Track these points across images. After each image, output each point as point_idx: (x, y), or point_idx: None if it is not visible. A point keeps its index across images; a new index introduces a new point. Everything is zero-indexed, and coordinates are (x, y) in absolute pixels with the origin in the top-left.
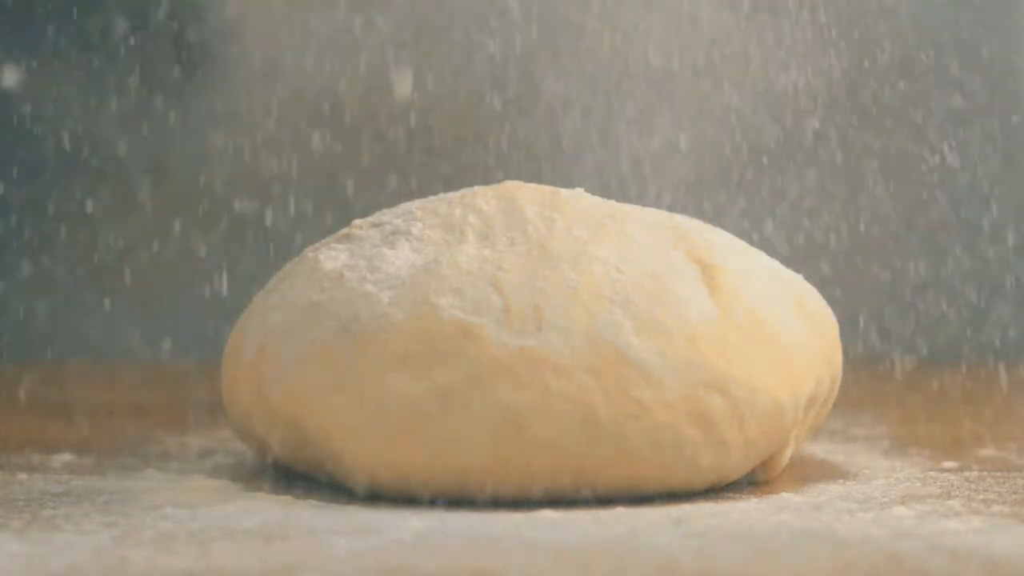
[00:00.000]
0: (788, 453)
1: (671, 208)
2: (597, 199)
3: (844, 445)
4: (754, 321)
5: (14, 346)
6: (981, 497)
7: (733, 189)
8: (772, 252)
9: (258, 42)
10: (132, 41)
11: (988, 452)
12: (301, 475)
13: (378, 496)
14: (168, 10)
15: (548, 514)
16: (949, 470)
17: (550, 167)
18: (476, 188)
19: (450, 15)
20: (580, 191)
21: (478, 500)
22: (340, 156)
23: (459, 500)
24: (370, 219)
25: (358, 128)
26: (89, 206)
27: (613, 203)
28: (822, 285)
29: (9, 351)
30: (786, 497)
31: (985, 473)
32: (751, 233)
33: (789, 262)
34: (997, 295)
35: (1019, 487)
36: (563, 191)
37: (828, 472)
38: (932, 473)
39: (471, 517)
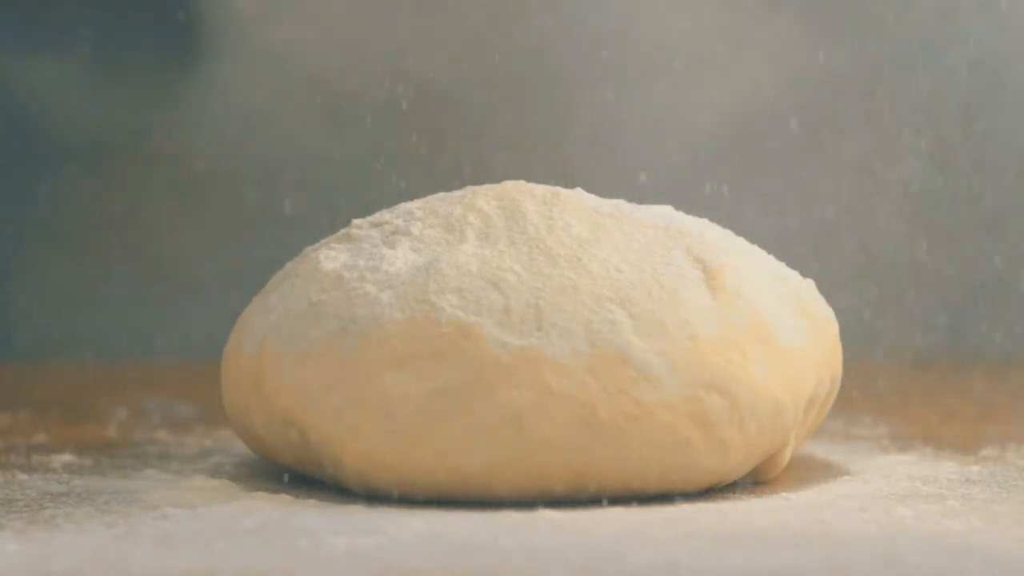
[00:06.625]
0: (788, 453)
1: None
2: (597, 199)
3: (844, 445)
4: (754, 321)
5: (14, 346)
6: (981, 497)
7: (734, 187)
8: (773, 251)
9: (258, 34)
10: (127, 26)
11: (988, 452)
12: (301, 475)
13: (378, 496)
14: None
15: (548, 514)
16: (949, 470)
17: (550, 167)
18: (476, 188)
19: (456, 10)
20: (580, 191)
21: (478, 500)
22: (340, 155)
23: (459, 500)
24: (370, 219)
25: (358, 127)
26: (84, 203)
27: (613, 202)
28: (823, 284)
29: (9, 351)
30: (786, 497)
31: (985, 473)
32: (752, 231)
33: (790, 261)
34: (1001, 294)
35: (1019, 487)
36: (563, 191)
37: (828, 472)
38: (932, 473)
39: (471, 517)
